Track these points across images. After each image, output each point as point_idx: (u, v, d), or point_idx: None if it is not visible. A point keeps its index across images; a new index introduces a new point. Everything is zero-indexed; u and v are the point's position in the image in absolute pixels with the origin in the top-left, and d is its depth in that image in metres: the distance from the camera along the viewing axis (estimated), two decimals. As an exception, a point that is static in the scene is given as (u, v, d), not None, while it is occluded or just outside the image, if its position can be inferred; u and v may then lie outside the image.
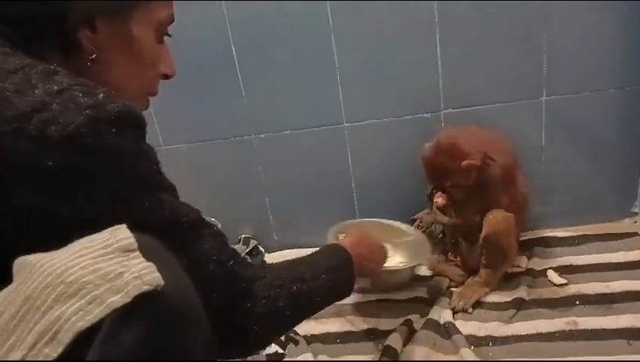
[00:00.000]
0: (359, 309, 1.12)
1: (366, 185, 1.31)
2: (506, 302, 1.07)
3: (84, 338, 0.36)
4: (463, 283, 1.14)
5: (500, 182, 1.04)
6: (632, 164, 1.22)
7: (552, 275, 1.12)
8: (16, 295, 0.38)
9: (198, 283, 0.44)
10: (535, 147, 1.22)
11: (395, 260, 1.13)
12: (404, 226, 1.21)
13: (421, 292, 1.14)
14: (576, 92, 1.16)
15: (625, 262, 1.13)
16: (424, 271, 1.21)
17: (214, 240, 0.57)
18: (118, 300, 0.37)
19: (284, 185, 1.33)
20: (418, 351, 0.96)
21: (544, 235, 1.26)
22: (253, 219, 1.37)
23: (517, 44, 1.15)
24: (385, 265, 0.98)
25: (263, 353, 1.00)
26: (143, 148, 0.52)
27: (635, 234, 1.21)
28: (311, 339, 1.04)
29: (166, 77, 0.66)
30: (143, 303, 0.38)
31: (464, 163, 1.00)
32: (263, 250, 1.37)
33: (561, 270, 1.13)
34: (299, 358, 0.99)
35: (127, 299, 0.37)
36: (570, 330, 0.97)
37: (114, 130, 0.48)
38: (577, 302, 1.04)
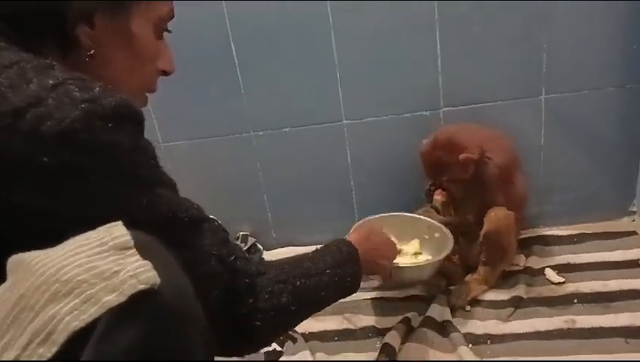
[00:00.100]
0: (357, 307, 1.11)
1: (365, 183, 1.30)
2: (504, 301, 1.07)
3: (79, 338, 0.35)
4: (461, 280, 1.14)
5: (498, 181, 1.04)
6: (630, 162, 1.22)
7: (551, 274, 1.12)
8: (10, 294, 0.38)
9: (199, 280, 0.44)
10: (534, 145, 1.22)
11: (423, 257, 1.10)
12: (428, 219, 1.13)
13: (419, 289, 1.14)
14: (576, 90, 1.16)
15: (623, 261, 1.13)
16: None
17: (215, 235, 0.56)
18: (113, 299, 0.36)
19: (282, 183, 1.33)
20: (416, 348, 0.96)
21: (542, 233, 1.26)
22: (252, 217, 1.37)
23: (517, 42, 1.14)
24: (408, 261, 0.94)
25: (261, 351, 1.00)
26: (140, 143, 0.51)
27: (633, 232, 1.21)
28: (309, 337, 1.04)
29: (165, 73, 0.65)
30: (139, 302, 0.37)
31: (462, 156, 1.00)
32: (261, 247, 1.37)
33: (560, 268, 1.13)
34: (296, 356, 0.99)
35: (123, 299, 0.36)
36: (568, 328, 0.97)
37: (110, 124, 0.47)
38: (575, 301, 1.04)
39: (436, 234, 1.10)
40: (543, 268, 1.14)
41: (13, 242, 0.41)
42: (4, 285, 0.39)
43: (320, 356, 1.00)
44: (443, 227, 1.09)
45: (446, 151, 1.02)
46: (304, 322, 0.69)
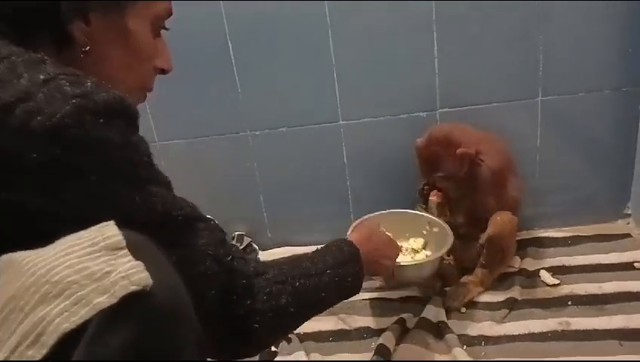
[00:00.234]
0: (352, 307, 1.11)
1: (361, 184, 1.30)
2: (498, 302, 1.07)
3: (70, 340, 0.35)
4: (456, 282, 1.14)
5: (490, 184, 1.04)
6: (625, 165, 1.23)
7: (545, 275, 1.12)
8: (0, 295, 0.37)
9: (195, 279, 0.43)
10: (530, 147, 1.22)
11: (421, 254, 1.10)
12: (429, 215, 1.13)
13: (414, 291, 1.14)
14: (572, 92, 1.16)
15: (617, 263, 1.13)
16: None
17: (211, 235, 0.55)
18: (104, 301, 0.36)
19: (279, 183, 1.32)
20: (411, 350, 0.96)
21: (537, 235, 1.26)
22: (248, 216, 1.36)
23: (513, 43, 1.14)
24: (409, 259, 0.93)
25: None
26: (132, 139, 0.50)
27: (627, 235, 1.22)
28: (304, 337, 1.04)
29: (162, 72, 0.64)
30: (131, 304, 0.36)
31: (459, 150, 1.00)
32: (256, 247, 1.36)
33: (554, 270, 1.13)
34: (291, 356, 0.99)
35: (114, 300, 0.36)
36: (563, 330, 0.97)
37: (101, 120, 0.46)
38: (570, 303, 1.04)
39: (435, 230, 1.11)
40: (538, 270, 1.14)
41: (2, 241, 0.41)
42: (-6, 286, 0.39)
43: (315, 356, 1.00)
44: (442, 222, 1.09)
45: (442, 147, 1.02)
46: (300, 322, 0.68)
